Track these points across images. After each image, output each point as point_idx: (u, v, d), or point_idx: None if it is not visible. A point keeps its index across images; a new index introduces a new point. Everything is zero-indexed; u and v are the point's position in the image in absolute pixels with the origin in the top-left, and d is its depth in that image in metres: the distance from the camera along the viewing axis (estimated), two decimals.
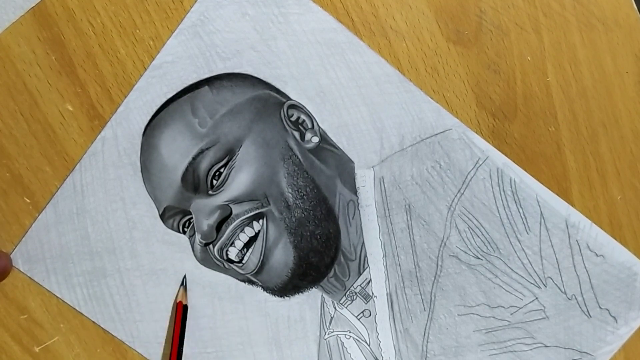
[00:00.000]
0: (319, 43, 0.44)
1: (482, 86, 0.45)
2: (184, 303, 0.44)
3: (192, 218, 0.42)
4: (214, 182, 0.41)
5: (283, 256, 0.42)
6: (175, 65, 0.43)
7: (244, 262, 0.43)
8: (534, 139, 0.45)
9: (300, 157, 0.43)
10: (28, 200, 0.44)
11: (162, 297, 0.45)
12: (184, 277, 0.44)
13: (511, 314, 0.45)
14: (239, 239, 0.42)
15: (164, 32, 0.43)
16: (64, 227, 0.44)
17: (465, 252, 0.45)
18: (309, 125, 0.44)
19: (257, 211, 0.42)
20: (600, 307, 0.45)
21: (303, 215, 0.42)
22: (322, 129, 0.44)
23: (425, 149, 0.45)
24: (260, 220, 0.42)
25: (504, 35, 0.45)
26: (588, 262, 0.45)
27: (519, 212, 0.45)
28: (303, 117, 0.44)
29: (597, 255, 0.45)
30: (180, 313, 0.44)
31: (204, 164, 0.41)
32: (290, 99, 0.44)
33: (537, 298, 0.45)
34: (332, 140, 0.45)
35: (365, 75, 0.44)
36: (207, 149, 0.41)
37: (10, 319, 0.44)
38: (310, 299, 0.45)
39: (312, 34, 0.44)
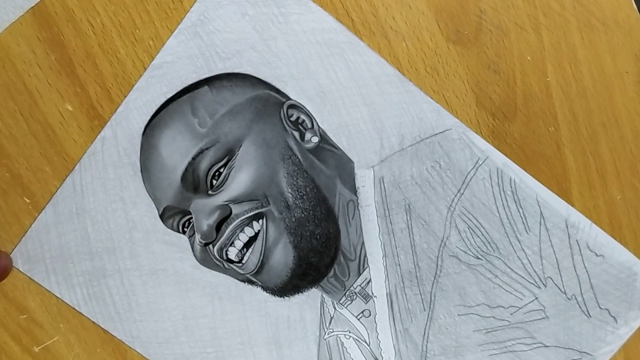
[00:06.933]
0: (319, 43, 0.44)
1: (482, 86, 0.45)
2: None
3: (191, 218, 0.42)
4: (214, 182, 0.41)
5: (283, 256, 0.42)
6: (175, 65, 0.43)
7: (243, 262, 0.43)
8: (534, 139, 0.45)
9: (300, 157, 0.43)
10: (28, 200, 0.44)
11: (162, 297, 0.45)
12: None
13: (511, 314, 0.45)
14: (239, 239, 0.42)
15: (164, 32, 0.43)
16: (63, 227, 0.44)
17: (465, 252, 0.45)
18: (309, 125, 0.44)
19: (256, 211, 0.42)
20: (600, 307, 0.45)
21: (303, 215, 0.42)
22: (322, 129, 0.44)
23: (425, 149, 0.45)
24: (260, 220, 0.42)
25: (504, 35, 0.45)
26: (588, 262, 0.45)
27: (519, 212, 0.45)
28: (303, 117, 0.44)
29: (597, 255, 0.45)
30: None
31: (203, 164, 0.41)
32: (290, 99, 0.44)
33: (537, 298, 0.45)
34: (332, 140, 0.45)
35: (365, 75, 0.44)
36: (206, 149, 0.41)
37: (10, 319, 0.44)
38: (310, 299, 0.45)
39: (312, 34, 0.44)
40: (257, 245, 0.42)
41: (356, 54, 0.44)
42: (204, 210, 0.42)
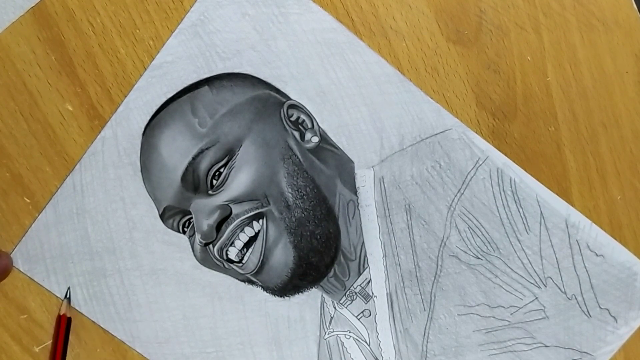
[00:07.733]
0: (319, 43, 0.44)
1: (482, 86, 0.45)
2: (68, 315, 0.44)
3: (192, 218, 0.42)
4: (214, 182, 0.41)
5: (283, 256, 0.42)
6: (175, 65, 0.43)
7: (243, 262, 0.43)
8: (534, 139, 0.45)
9: (300, 157, 0.43)
10: (28, 200, 0.44)
11: (162, 297, 0.45)
12: (68, 289, 0.44)
13: (511, 314, 0.45)
14: (239, 239, 0.42)
15: (164, 32, 0.43)
16: (64, 227, 0.44)
17: (465, 252, 0.45)
18: (309, 125, 0.44)
19: (257, 211, 0.42)
20: (600, 307, 0.45)
21: (303, 215, 0.42)
22: (322, 129, 0.44)
23: (425, 149, 0.45)
24: (260, 220, 0.42)
25: (504, 35, 0.45)
26: (588, 262, 0.45)
27: (519, 212, 0.45)
28: (303, 117, 0.44)
29: (597, 255, 0.45)
30: (64, 327, 0.43)
31: (203, 164, 0.41)
32: (290, 99, 0.44)
33: (537, 298, 0.45)
34: (332, 140, 0.45)
35: (365, 75, 0.44)
36: (207, 148, 0.41)
37: (10, 319, 0.44)
38: (310, 299, 0.45)
39: (312, 34, 0.44)
40: (257, 245, 0.42)
41: (356, 54, 0.44)
42: (204, 210, 0.42)
